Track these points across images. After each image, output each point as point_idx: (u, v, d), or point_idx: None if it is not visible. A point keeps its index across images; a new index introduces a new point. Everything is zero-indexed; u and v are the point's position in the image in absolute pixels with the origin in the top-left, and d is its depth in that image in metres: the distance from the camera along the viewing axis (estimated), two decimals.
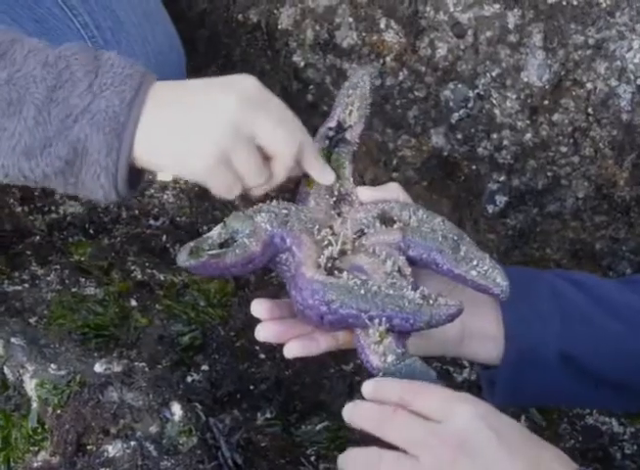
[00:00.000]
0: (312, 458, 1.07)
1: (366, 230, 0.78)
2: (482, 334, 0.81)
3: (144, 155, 0.77)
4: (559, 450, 0.67)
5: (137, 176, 0.79)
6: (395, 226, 0.78)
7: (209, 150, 0.76)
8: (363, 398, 0.71)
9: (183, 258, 0.73)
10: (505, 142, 1.24)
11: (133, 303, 1.16)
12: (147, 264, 1.23)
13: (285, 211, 0.77)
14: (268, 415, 1.09)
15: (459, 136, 1.25)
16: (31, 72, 0.76)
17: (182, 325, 1.14)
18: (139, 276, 1.21)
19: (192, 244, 0.74)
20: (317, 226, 0.77)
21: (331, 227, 0.78)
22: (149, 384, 1.02)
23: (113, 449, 0.97)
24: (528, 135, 1.23)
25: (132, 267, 1.22)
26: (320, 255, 0.75)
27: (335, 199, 0.80)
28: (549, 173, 1.25)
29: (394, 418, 0.67)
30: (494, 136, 1.24)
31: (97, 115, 0.75)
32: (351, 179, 0.81)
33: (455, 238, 0.77)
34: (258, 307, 0.77)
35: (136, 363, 1.05)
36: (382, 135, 1.27)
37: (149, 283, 1.20)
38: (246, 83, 0.78)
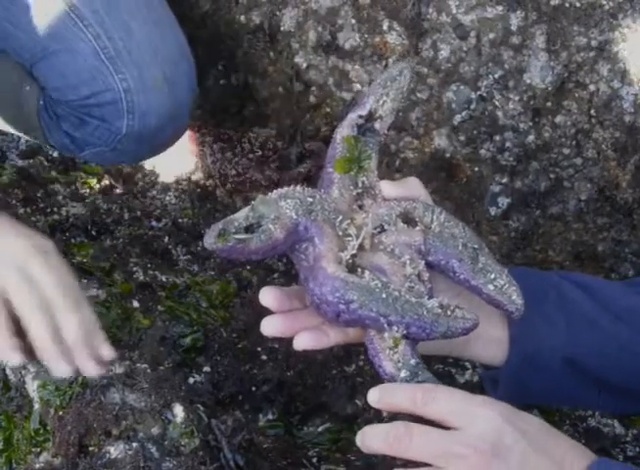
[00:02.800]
0: (314, 460, 1.07)
1: (386, 227, 0.77)
2: (488, 336, 0.81)
3: None
4: (574, 441, 0.68)
5: None
6: (417, 228, 0.77)
7: None
8: (365, 399, 0.71)
9: (211, 240, 0.72)
10: (507, 144, 1.24)
11: (135, 304, 1.15)
12: (149, 266, 1.23)
13: (310, 200, 0.75)
14: (270, 417, 1.10)
15: (461, 138, 1.26)
16: None
17: (184, 326, 1.13)
18: (141, 277, 1.21)
19: (220, 225, 0.72)
20: (340, 218, 0.76)
21: (352, 220, 0.76)
22: (151, 385, 1.02)
23: (115, 451, 0.97)
24: (531, 137, 1.23)
25: (134, 269, 1.22)
26: (341, 248, 0.74)
27: (358, 191, 0.78)
28: (551, 175, 1.25)
29: (411, 435, 0.66)
30: (497, 138, 1.24)
31: None
32: (376, 172, 0.80)
33: (475, 247, 0.76)
34: (267, 296, 0.76)
35: (138, 365, 1.05)
36: (384, 137, 1.27)
37: (151, 284, 1.20)
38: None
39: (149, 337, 1.10)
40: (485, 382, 0.87)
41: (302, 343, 0.75)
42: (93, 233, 1.26)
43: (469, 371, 1.19)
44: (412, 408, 0.67)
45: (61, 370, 0.81)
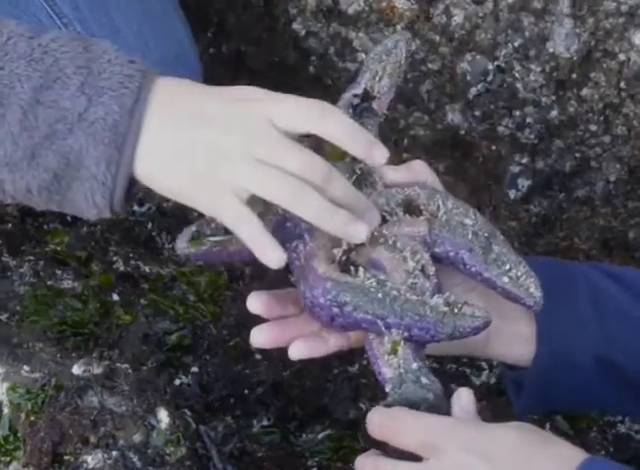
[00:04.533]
0: None
1: (388, 218, 0.76)
2: (512, 334, 0.80)
3: (145, 174, 0.74)
4: (562, 447, 0.68)
5: (131, 190, 0.77)
6: (422, 217, 0.76)
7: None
8: (370, 403, 0.76)
9: (182, 244, 0.73)
10: (528, 120, 1.24)
11: (115, 297, 1.16)
12: (130, 255, 1.23)
13: None
14: (265, 422, 1.10)
15: (477, 113, 1.25)
16: (15, 70, 0.73)
17: (169, 322, 1.14)
18: (122, 268, 1.21)
19: (193, 228, 0.73)
20: None
21: None
22: (132, 388, 1.03)
23: (92, 460, 0.98)
24: (554, 112, 1.23)
25: (114, 258, 1.22)
26: (335, 245, 0.74)
27: (355, 178, 0.77)
28: (577, 154, 1.25)
29: (380, 464, 0.69)
30: (516, 113, 1.24)
31: (95, 123, 0.73)
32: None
33: (487, 236, 0.75)
34: (255, 302, 0.76)
35: (118, 365, 1.06)
36: (391, 112, 1.24)
37: (132, 275, 1.20)
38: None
39: (130, 334, 1.11)
40: (507, 385, 0.86)
41: (297, 352, 0.75)
42: (68, 219, 1.24)
43: (485, 372, 1.19)
44: (385, 437, 0.70)
45: (360, 231, 0.74)
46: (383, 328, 0.71)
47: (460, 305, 0.72)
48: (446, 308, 0.71)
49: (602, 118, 1.22)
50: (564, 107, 1.22)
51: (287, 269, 0.73)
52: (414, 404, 0.70)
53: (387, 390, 0.72)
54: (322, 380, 1.14)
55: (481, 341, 0.79)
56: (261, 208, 0.73)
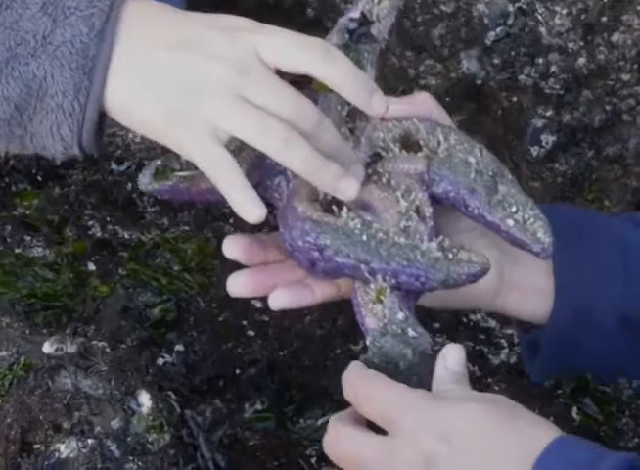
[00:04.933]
0: (313, 460, 1.07)
1: (383, 154, 0.75)
2: (527, 285, 0.79)
3: (115, 105, 0.72)
4: (530, 425, 0.67)
5: (101, 126, 0.75)
6: (420, 153, 0.75)
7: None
8: None
9: (145, 180, 0.72)
10: (553, 68, 1.23)
11: (91, 267, 1.14)
12: (108, 219, 1.20)
13: None
14: (259, 407, 1.09)
15: (496, 61, 1.23)
16: None
17: (152, 295, 1.13)
18: (98, 234, 1.19)
19: (159, 162, 0.73)
20: None
21: None
22: (110, 368, 1.02)
23: (65, 449, 0.97)
24: (582, 59, 1.21)
25: (90, 223, 1.20)
26: None
27: (348, 111, 0.76)
28: (607, 107, 1.23)
29: (339, 439, 0.69)
30: (540, 61, 1.22)
31: (61, 47, 0.71)
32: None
33: (493, 175, 0.74)
34: (232, 247, 0.75)
35: (94, 342, 1.04)
36: (400, 59, 1.24)
37: (110, 242, 1.18)
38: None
39: (108, 308, 1.10)
40: (523, 349, 0.85)
41: (279, 301, 0.74)
42: (39, 179, 1.22)
43: (504, 350, 1.17)
44: (354, 402, 0.70)
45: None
46: (367, 274, 0.70)
47: (456, 250, 0.71)
48: (439, 253, 0.71)
49: (635, 66, 1.20)
50: (592, 53, 1.20)
51: (269, 210, 0.73)
52: (392, 362, 0.70)
53: (367, 342, 0.71)
54: (322, 359, 1.13)
55: (490, 292, 0.78)
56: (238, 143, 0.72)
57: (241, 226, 1.18)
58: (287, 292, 0.75)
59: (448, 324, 1.13)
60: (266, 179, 0.74)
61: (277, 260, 0.76)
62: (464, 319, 1.15)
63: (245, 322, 1.13)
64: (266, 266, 0.76)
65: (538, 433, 0.66)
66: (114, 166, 1.23)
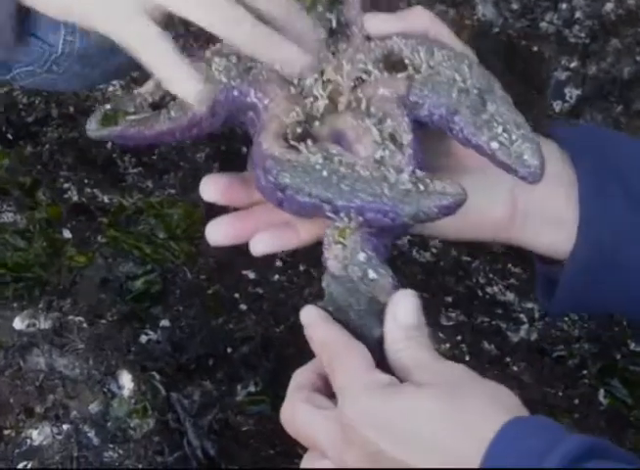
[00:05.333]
0: None
1: (365, 78, 0.72)
2: (546, 215, 0.76)
3: None
4: (480, 420, 0.63)
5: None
6: (401, 74, 0.71)
7: None
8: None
9: (93, 126, 0.70)
10: (578, 14, 1.24)
11: (67, 234, 1.14)
12: (86, 182, 1.20)
13: None
14: (252, 389, 1.08)
15: (514, 6, 1.25)
16: None
17: (134, 265, 1.13)
18: (75, 198, 1.19)
19: (108, 106, 0.71)
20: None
21: (321, 73, 0.72)
22: (88, 346, 1.02)
23: (38, 435, 0.97)
24: (610, 5, 1.23)
25: (65, 185, 1.20)
26: (292, 114, 0.71)
27: (330, 30, 0.74)
28: (637, 58, 1.24)
29: (294, 415, 0.67)
30: (563, 6, 1.24)
31: None
32: (358, 2, 0.75)
33: (478, 92, 0.70)
34: (210, 188, 0.71)
35: (70, 317, 1.04)
36: (409, 4, 1.23)
37: (88, 207, 1.18)
38: None
39: (85, 279, 1.10)
40: (537, 287, 0.82)
41: (261, 245, 0.72)
42: (9, 137, 1.23)
43: (524, 326, 1.15)
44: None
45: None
46: (331, 213, 0.68)
47: (429, 181, 0.68)
48: (410, 185, 0.68)
49: None
50: None
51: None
52: (342, 309, 0.69)
53: (322, 285, 0.70)
54: None
55: (504, 222, 0.75)
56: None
57: None
58: (268, 235, 0.72)
59: (462, 298, 1.11)
60: (239, 114, 0.72)
61: (262, 201, 0.73)
62: (479, 292, 1.13)
63: (237, 295, 1.13)
64: (247, 210, 0.74)
65: (488, 419, 0.63)
66: None
